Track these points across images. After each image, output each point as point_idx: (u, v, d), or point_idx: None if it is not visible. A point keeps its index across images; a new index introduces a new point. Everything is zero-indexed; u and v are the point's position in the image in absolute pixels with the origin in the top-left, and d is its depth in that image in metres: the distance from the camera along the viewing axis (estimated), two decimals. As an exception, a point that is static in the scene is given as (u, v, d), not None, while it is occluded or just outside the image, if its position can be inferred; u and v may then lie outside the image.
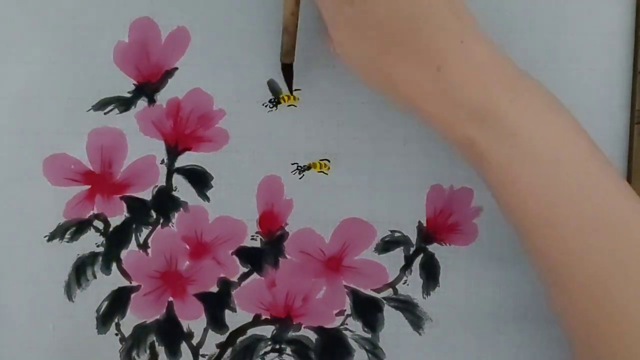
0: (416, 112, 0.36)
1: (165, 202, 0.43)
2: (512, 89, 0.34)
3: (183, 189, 0.43)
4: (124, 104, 0.42)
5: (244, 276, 0.43)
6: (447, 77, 0.34)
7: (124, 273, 0.43)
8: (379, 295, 0.43)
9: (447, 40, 0.34)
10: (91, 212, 0.43)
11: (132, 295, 0.43)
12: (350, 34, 0.35)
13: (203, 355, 0.43)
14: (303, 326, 0.43)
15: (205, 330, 0.43)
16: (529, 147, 0.34)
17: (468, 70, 0.34)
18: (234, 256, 0.43)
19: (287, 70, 0.41)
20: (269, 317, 0.43)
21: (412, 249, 0.43)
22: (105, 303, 0.43)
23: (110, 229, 0.43)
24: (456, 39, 0.34)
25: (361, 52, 0.35)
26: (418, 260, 0.43)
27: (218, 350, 0.43)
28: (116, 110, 0.42)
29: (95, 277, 0.43)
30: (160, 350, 0.43)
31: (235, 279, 0.43)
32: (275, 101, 0.42)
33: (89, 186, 0.43)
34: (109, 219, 0.43)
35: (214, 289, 0.43)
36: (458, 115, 0.34)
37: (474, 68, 0.34)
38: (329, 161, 0.43)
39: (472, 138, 0.34)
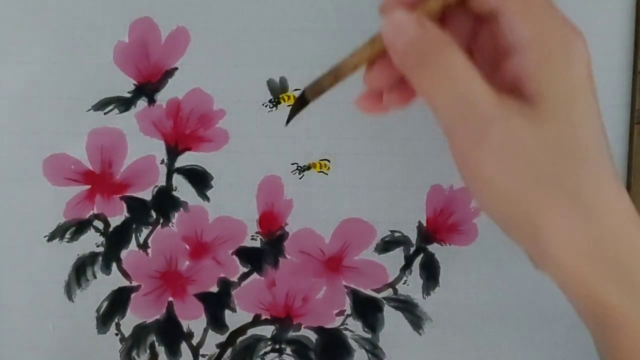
0: (548, 260, 0.30)
1: (165, 202, 0.43)
2: None
3: (183, 189, 0.43)
4: (124, 104, 0.42)
5: (244, 276, 0.43)
6: (601, 227, 0.29)
7: (124, 273, 0.43)
8: (379, 295, 0.43)
9: (604, 182, 0.29)
10: (91, 212, 0.43)
11: (132, 295, 0.43)
12: (491, 162, 0.29)
13: (203, 355, 0.43)
14: (303, 326, 0.43)
15: (205, 330, 0.43)
16: None
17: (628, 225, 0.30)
18: (234, 256, 0.43)
19: (302, 103, 0.37)
20: (269, 317, 0.43)
21: (412, 249, 0.43)
22: (105, 303, 0.43)
23: (110, 229, 0.43)
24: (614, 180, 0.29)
25: (500, 185, 0.29)
26: (418, 260, 0.43)
27: (218, 350, 0.43)
28: (116, 110, 0.42)
29: (95, 277, 0.43)
30: (160, 350, 0.43)
31: (235, 279, 0.43)
32: (275, 101, 0.42)
33: (89, 186, 0.43)
34: (109, 219, 0.43)
35: (214, 289, 0.43)
36: (599, 271, 0.30)
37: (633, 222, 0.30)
38: (329, 161, 0.43)
39: (607, 300, 0.30)
